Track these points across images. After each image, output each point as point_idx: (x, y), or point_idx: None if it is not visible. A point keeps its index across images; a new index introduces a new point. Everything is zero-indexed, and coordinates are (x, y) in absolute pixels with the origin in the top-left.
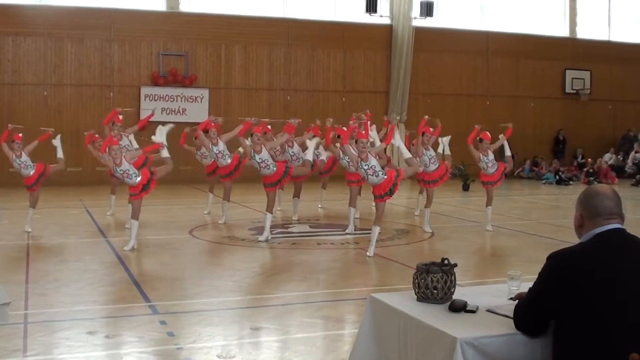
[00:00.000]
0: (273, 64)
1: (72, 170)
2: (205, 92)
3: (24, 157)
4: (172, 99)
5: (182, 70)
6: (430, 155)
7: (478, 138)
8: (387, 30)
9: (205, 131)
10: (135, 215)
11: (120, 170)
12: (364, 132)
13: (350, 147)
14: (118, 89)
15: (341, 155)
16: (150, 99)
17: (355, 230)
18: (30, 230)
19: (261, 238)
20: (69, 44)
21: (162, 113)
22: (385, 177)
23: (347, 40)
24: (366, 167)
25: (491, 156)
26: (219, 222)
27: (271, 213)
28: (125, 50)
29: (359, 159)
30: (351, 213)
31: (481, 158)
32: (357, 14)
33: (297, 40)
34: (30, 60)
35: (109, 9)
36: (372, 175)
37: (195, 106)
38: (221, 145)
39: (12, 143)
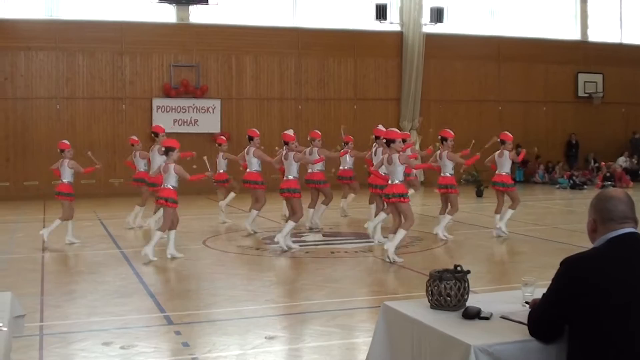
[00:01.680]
0: (284, 74)
1: (85, 182)
2: (217, 103)
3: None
4: (184, 110)
5: (194, 81)
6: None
7: (499, 140)
8: (397, 37)
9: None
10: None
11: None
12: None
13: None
14: (130, 101)
15: (374, 151)
16: (162, 110)
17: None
18: (46, 238)
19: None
20: (80, 58)
21: (174, 124)
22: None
23: (357, 48)
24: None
25: (506, 154)
26: (254, 231)
27: (293, 222)
28: (137, 62)
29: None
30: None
31: (503, 154)
32: (367, 21)
33: (307, 49)
34: (43, 75)
35: (120, 22)
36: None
37: (207, 117)
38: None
39: (63, 152)
